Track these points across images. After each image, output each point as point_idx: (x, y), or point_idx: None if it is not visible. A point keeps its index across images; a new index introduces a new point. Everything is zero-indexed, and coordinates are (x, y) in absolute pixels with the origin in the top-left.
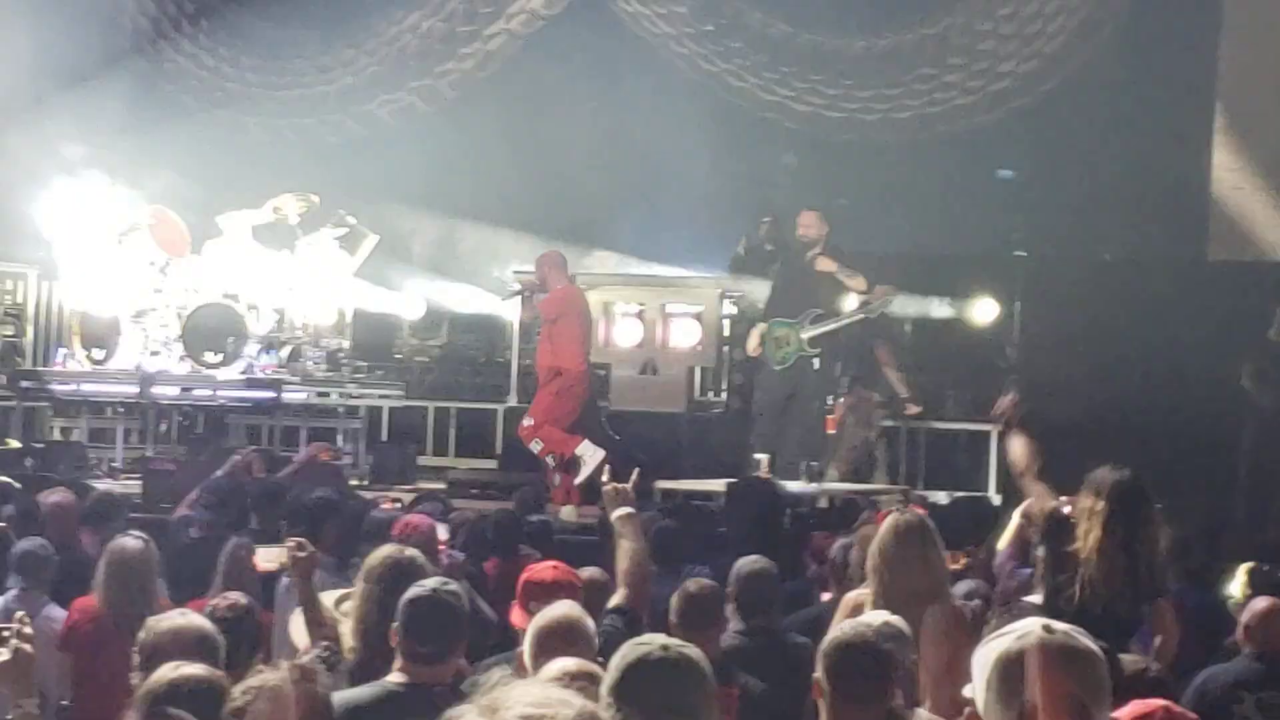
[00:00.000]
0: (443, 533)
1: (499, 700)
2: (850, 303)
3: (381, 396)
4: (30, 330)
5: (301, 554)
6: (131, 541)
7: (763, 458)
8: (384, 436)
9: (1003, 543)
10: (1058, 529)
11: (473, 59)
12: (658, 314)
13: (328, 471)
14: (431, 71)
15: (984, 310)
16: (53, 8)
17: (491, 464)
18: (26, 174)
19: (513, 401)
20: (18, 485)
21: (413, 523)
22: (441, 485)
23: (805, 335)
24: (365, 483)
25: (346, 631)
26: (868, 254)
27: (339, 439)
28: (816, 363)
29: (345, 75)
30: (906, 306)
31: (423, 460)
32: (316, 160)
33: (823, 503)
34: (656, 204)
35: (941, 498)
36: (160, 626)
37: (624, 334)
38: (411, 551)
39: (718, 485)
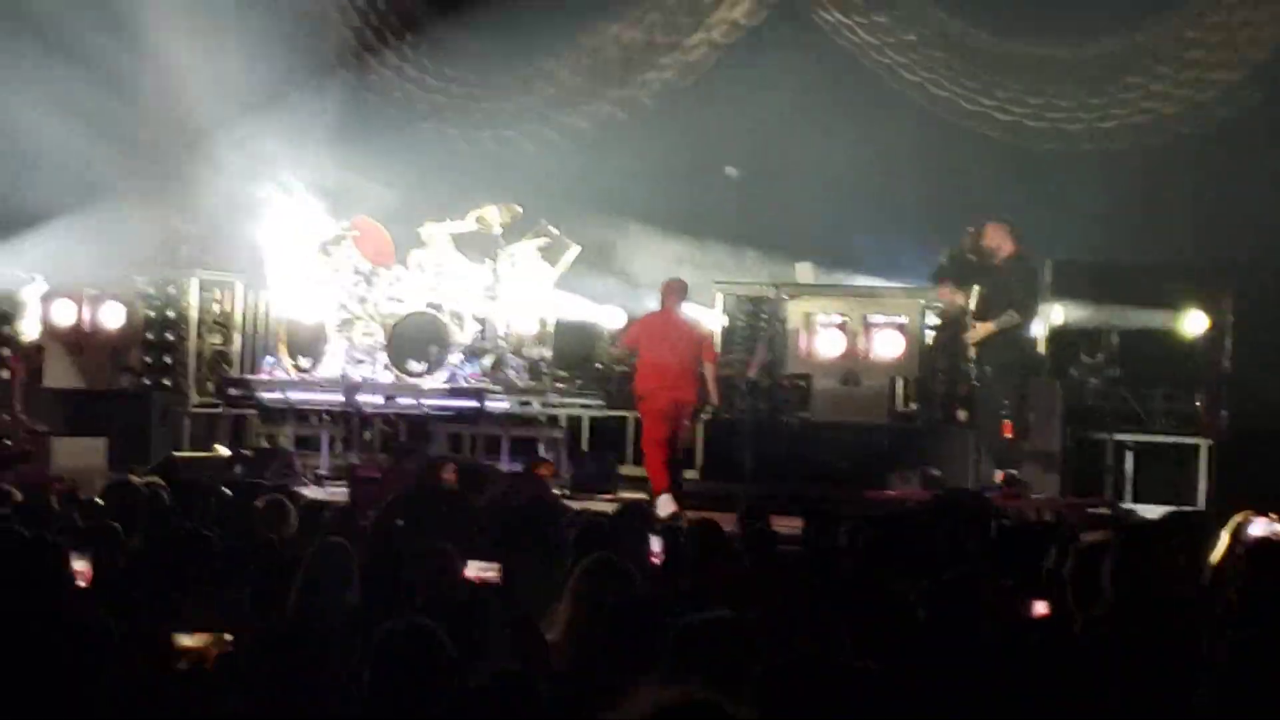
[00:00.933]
0: (654, 544)
1: None
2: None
3: (582, 406)
4: (238, 339)
5: None
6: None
7: (1000, 472)
8: (585, 446)
9: (1215, 558)
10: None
11: (673, 69)
12: (859, 325)
13: (536, 484)
14: (632, 82)
15: (1193, 322)
16: (260, 23)
17: (692, 474)
18: (234, 185)
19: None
20: (228, 492)
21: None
22: (643, 495)
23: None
24: (567, 492)
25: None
26: (1072, 263)
27: (540, 448)
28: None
29: (547, 86)
30: (1113, 317)
31: (624, 470)
32: (519, 170)
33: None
34: (858, 214)
35: (1151, 511)
36: None
37: (825, 345)
38: (610, 557)
39: (923, 496)
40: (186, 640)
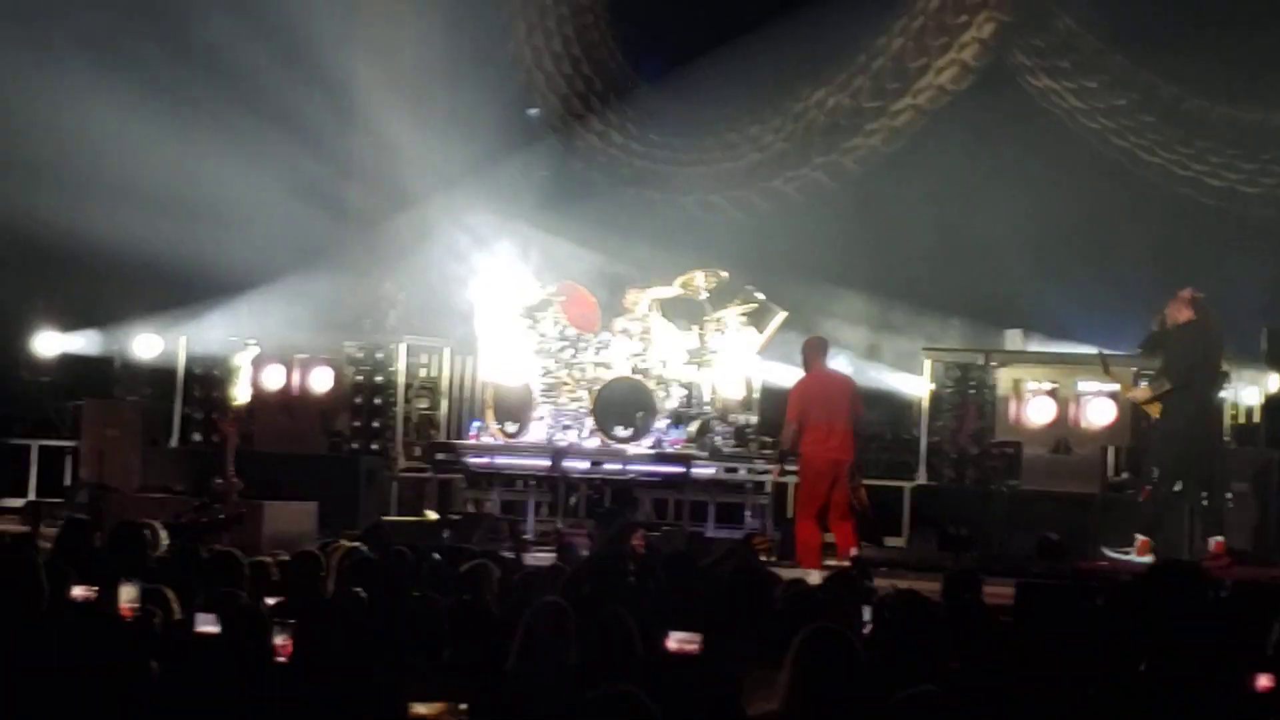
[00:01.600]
0: (865, 613)
1: None
2: None
3: (788, 473)
4: (445, 404)
5: None
6: (552, 599)
7: (1215, 541)
8: (789, 513)
9: None
10: None
11: (879, 134)
12: (1070, 392)
13: (750, 555)
14: (838, 147)
15: None
16: (468, 89)
17: (900, 541)
18: (442, 251)
19: (921, 479)
20: (437, 556)
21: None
22: (848, 563)
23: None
24: (773, 559)
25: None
26: None
27: (746, 514)
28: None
29: (752, 151)
30: None
31: (829, 538)
32: (724, 236)
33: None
34: (1067, 281)
35: None
36: None
37: (1035, 412)
38: (840, 627)
39: (1137, 567)
40: (422, 709)
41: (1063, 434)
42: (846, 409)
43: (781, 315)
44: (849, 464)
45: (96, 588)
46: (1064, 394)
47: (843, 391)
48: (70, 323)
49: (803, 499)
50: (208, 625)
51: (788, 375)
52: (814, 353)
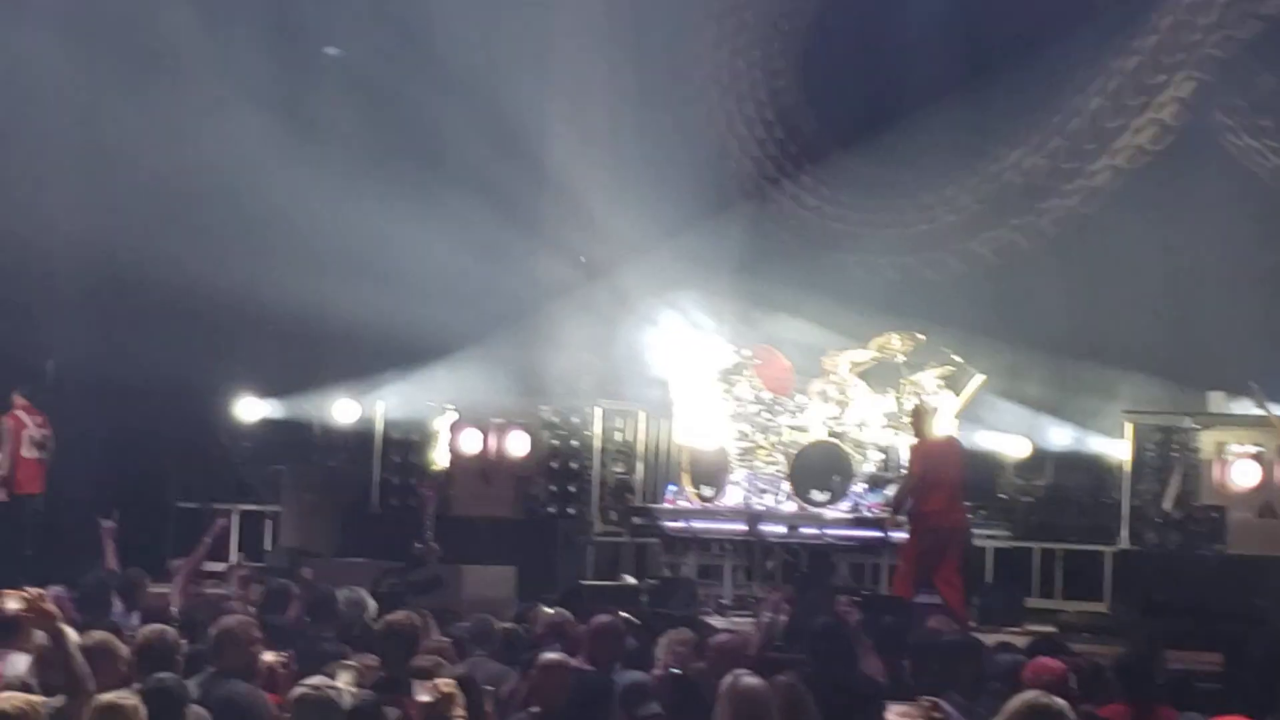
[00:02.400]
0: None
1: None
2: None
3: (987, 536)
4: (640, 467)
5: None
6: (751, 680)
7: None
8: (988, 577)
9: None
10: None
11: (1076, 195)
12: (1276, 455)
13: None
14: (1034, 208)
15: None
16: (661, 155)
17: (1101, 606)
18: (637, 315)
19: (1124, 544)
20: (636, 621)
21: (1045, 665)
22: (1051, 628)
23: None
24: (973, 624)
25: None
26: None
27: None
28: None
29: (947, 213)
30: None
31: (1030, 602)
32: (919, 298)
33: None
34: (1273, 343)
35: None
36: None
37: (1240, 476)
38: (1052, 698)
39: None
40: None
41: (1269, 497)
42: (962, 472)
43: (979, 379)
44: (968, 530)
45: (288, 654)
46: (1269, 457)
47: (961, 456)
48: (270, 389)
49: (918, 563)
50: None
51: (987, 439)
52: (927, 418)
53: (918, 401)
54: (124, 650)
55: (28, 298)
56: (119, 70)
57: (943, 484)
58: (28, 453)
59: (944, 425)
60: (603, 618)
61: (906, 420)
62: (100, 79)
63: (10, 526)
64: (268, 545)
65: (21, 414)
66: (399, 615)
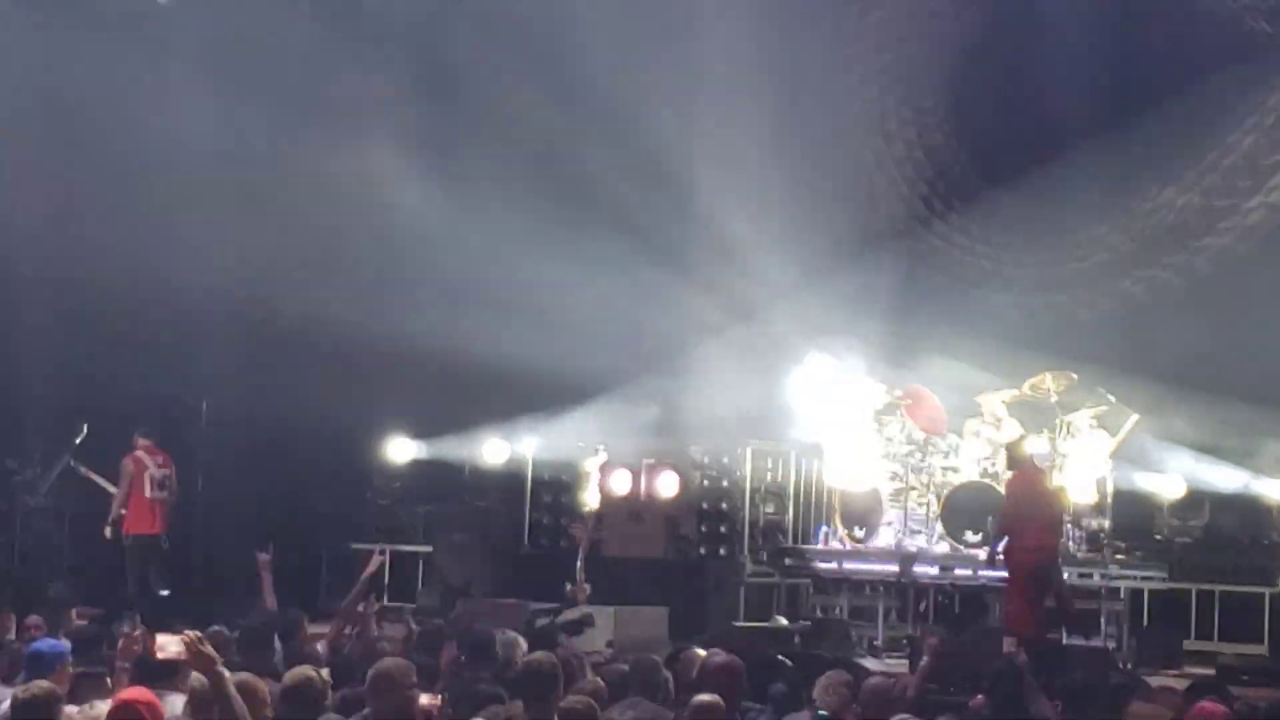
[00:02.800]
0: None
1: None
2: None
3: (1143, 578)
4: (791, 508)
5: None
6: None
7: None
8: (1145, 620)
9: None
10: None
11: (1231, 233)
12: None
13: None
14: (1187, 246)
15: None
16: (810, 195)
17: (1261, 649)
18: (786, 356)
19: None
20: (788, 663)
21: (1208, 710)
22: (1210, 671)
23: None
24: (1129, 666)
25: None
26: None
27: (1101, 621)
28: None
29: (1099, 252)
30: None
31: (1188, 644)
32: (1071, 337)
33: None
34: None
35: None
36: None
37: None
38: None
39: None
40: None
41: None
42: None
43: (1134, 418)
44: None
45: (442, 697)
46: None
47: (1047, 489)
48: (420, 430)
49: (1031, 598)
50: None
51: (1142, 479)
52: (1018, 451)
53: (1011, 436)
54: (264, 692)
55: (181, 339)
56: (269, 112)
57: (1035, 518)
58: (150, 493)
59: (1036, 458)
60: (719, 656)
61: (1059, 460)
62: (250, 121)
63: (132, 565)
64: (419, 586)
65: (143, 455)
66: (539, 655)
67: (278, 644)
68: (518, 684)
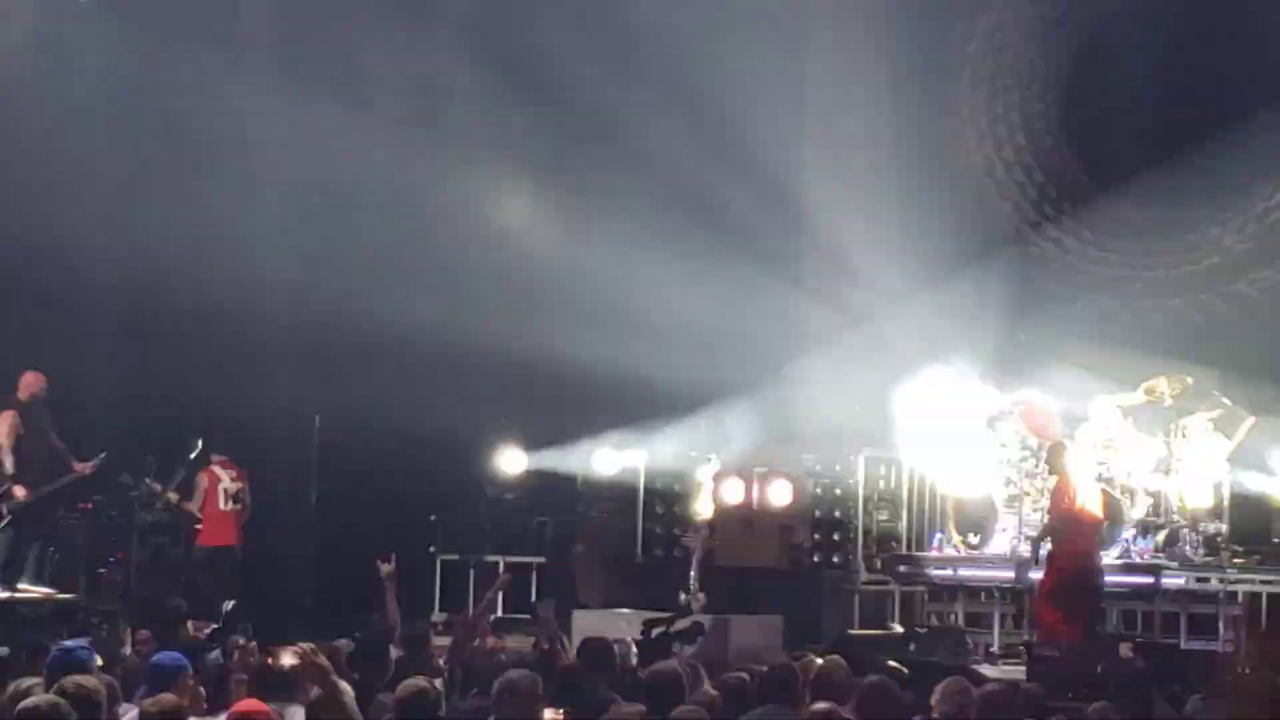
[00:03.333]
0: None
1: None
2: None
3: (1263, 582)
4: (905, 515)
5: None
6: None
7: None
8: (1263, 624)
9: None
10: None
11: None
12: None
13: None
14: None
15: None
16: (921, 201)
17: None
18: (899, 363)
19: None
20: (905, 670)
21: None
22: None
23: None
24: (1245, 671)
25: None
26: None
27: (1219, 626)
28: None
29: (1212, 254)
30: None
31: None
32: (1185, 340)
33: None
34: None
35: None
36: None
37: None
38: None
39: None
40: None
41: None
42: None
43: (1250, 421)
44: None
45: (565, 708)
46: None
47: (1096, 496)
48: (533, 441)
49: (1081, 605)
50: None
51: (1259, 482)
52: (1062, 456)
53: (1054, 441)
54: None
55: (294, 353)
56: (389, 130)
57: (1084, 524)
58: (224, 506)
59: (1085, 464)
60: (874, 679)
61: (1175, 464)
62: (369, 138)
63: (211, 577)
64: (533, 597)
65: (217, 469)
66: (665, 665)
67: (392, 654)
68: (641, 692)
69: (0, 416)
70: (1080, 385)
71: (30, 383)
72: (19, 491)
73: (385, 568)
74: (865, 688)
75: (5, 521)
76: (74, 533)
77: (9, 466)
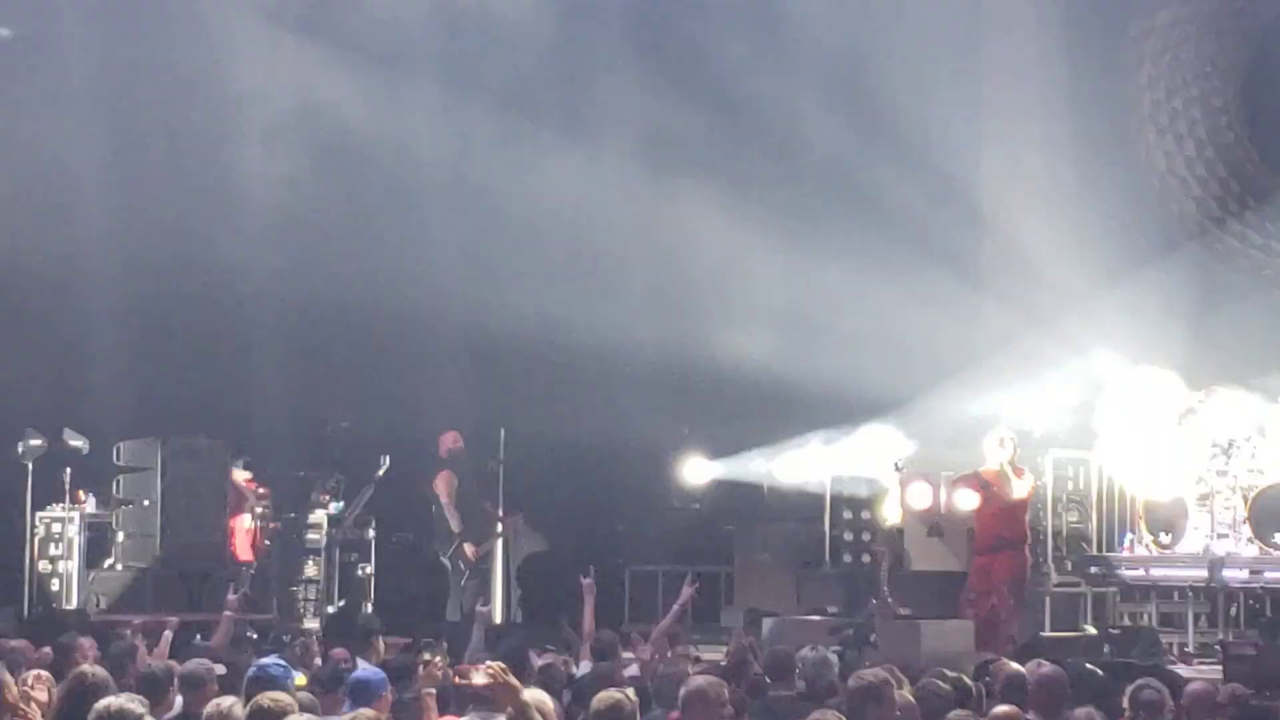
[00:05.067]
0: None
1: None
2: None
3: None
4: (1094, 516)
5: None
6: None
7: None
8: None
9: None
10: None
11: None
12: None
13: None
14: None
15: None
16: (1101, 199)
17: None
18: (1087, 361)
19: None
20: (1099, 673)
21: None
22: None
23: None
24: None
25: None
26: None
27: None
28: None
29: None
30: None
31: None
32: None
33: None
34: None
35: None
36: None
37: None
38: None
39: None
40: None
41: None
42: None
43: None
44: None
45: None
46: None
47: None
48: (718, 449)
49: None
50: None
51: None
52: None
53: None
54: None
55: (479, 367)
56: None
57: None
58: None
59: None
60: (1046, 668)
61: None
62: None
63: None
64: (721, 607)
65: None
66: (869, 672)
67: (534, 662)
68: (845, 701)
69: (440, 477)
70: (1270, 380)
71: (449, 441)
72: (469, 550)
73: (586, 582)
74: (1034, 682)
75: (465, 577)
76: (267, 554)
77: (455, 525)
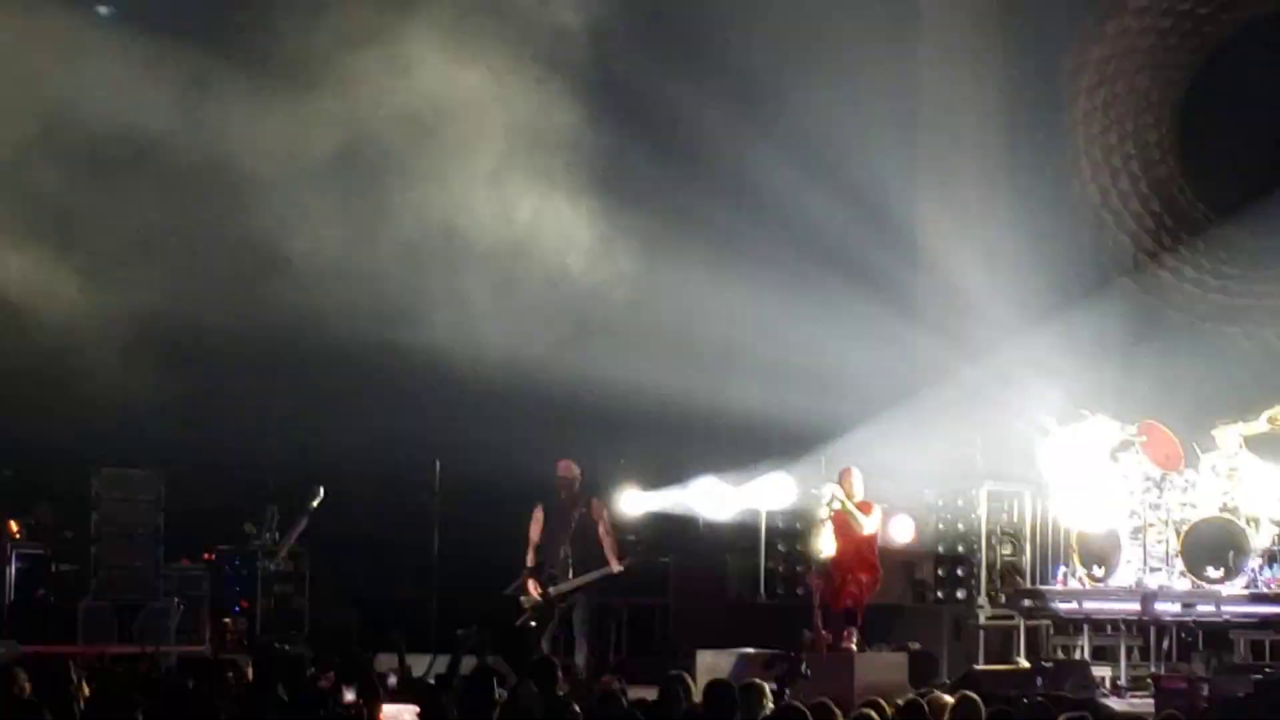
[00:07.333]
0: None
1: None
2: None
3: None
4: (1028, 548)
5: None
6: None
7: None
8: None
9: None
10: None
11: None
12: None
13: None
14: None
15: None
16: (1036, 233)
17: None
18: (1019, 396)
19: None
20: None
21: None
22: None
23: None
24: None
25: None
26: None
27: None
28: None
29: None
30: None
31: None
32: None
33: None
34: None
35: None
36: None
37: None
38: None
39: None
40: None
41: None
42: None
43: None
44: None
45: None
46: None
47: None
48: (652, 481)
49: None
50: None
51: None
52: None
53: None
54: None
55: (410, 400)
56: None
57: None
58: None
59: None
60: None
61: None
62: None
63: None
64: (657, 639)
65: None
66: (793, 703)
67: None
68: None
69: (594, 508)
70: (1202, 415)
71: (559, 469)
72: (531, 587)
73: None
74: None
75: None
76: (199, 583)
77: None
